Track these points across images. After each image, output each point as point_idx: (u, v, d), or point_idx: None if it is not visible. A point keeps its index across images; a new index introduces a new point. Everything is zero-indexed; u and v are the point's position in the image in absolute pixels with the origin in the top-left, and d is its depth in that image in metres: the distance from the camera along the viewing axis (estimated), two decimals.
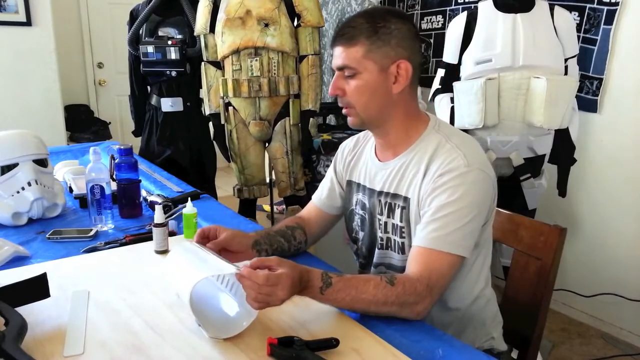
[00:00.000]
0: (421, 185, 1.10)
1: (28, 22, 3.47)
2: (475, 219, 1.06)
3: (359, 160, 1.28)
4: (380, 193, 1.19)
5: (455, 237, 1.04)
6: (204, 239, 1.14)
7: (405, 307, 1.00)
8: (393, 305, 0.99)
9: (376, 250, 1.22)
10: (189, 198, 1.47)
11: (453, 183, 1.05)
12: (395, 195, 1.16)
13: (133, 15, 2.76)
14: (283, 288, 0.92)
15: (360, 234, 1.27)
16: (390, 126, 1.15)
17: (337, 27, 1.17)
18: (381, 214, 1.19)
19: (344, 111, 1.16)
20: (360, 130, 1.30)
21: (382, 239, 1.20)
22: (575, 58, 2.09)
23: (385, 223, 1.18)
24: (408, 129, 1.16)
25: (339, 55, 1.11)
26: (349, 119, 1.17)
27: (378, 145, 1.23)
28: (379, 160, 1.22)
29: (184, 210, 1.41)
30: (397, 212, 1.15)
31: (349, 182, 1.30)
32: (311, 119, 2.46)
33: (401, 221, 1.14)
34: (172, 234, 1.48)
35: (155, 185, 1.98)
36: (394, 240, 1.17)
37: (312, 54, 2.35)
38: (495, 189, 1.12)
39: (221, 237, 1.15)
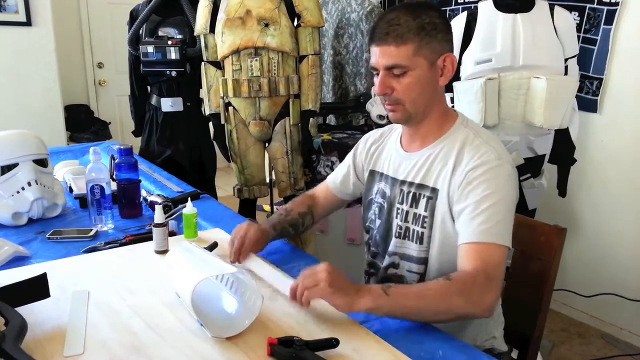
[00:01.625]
0: (451, 178, 1.11)
1: (28, 22, 3.47)
2: (510, 211, 1.09)
3: (383, 151, 1.30)
4: (403, 182, 1.20)
5: (500, 228, 1.05)
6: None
7: (470, 301, 0.98)
8: (460, 297, 0.97)
9: (392, 238, 1.22)
10: (189, 198, 1.47)
11: (487, 176, 1.07)
12: (421, 186, 1.17)
13: (133, 15, 2.76)
14: (322, 271, 0.96)
15: (377, 223, 1.28)
16: (428, 119, 1.18)
17: (376, 25, 1.12)
18: (401, 202, 1.20)
19: (389, 107, 1.16)
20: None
21: (400, 228, 1.20)
22: (575, 58, 2.09)
23: (407, 212, 1.19)
24: (440, 122, 1.18)
25: (387, 55, 1.10)
26: (393, 115, 1.17)
27: (406, 136, 1.25)
28: (404, 150, 1.24)
29: (184, 210, 1.41)
30: (422, 202, 1.16)
31: (372, 172, 1.32)
32: (311, 119, 2.46)
33: (425, 211, 1.15)
34: (172, 234, 1.48)
35: (155, 185, 1.98)
36: (413, 229, 1.18)
37: (312, 54, 2.35)
38: (518, 186, 1.15)
39: (247, 246, 1.23)
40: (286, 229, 1.37)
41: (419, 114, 1.16)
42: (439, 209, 1.13)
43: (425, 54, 1.09)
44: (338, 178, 1.42)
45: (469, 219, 1.07)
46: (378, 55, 1.12)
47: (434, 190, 1.14)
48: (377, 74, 1.14)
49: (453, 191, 1.11)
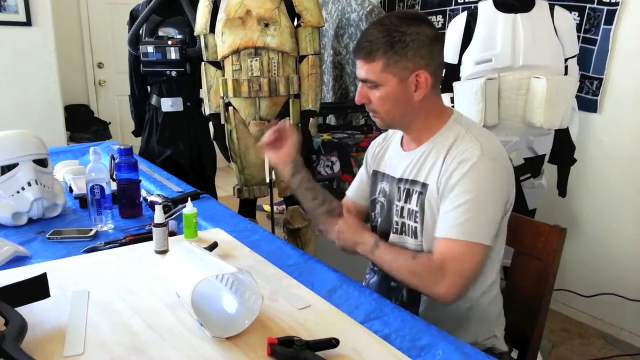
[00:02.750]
0: (440, 173, 1.14)
1: (28, 22, 3.47)
2: (490, 207, 1.11)
3: (386, 152, 1.34)
4: (400, 180, 1.23)
5: (470, 225, 1.08)
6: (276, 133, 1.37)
7: (424, 285, 1.12)
8: (412, 277, 1.12)
9: (391, 234, 1.25)
10: (189, 198, 1.47)
11: (466, 173, 1.10)
12: (413, 182, 1.20)
13: (133, 15, 2.76)
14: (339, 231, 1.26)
15: (379, 221, 1.31)
16: (414, 125, 1.21)
17: (359, 38, 1.18)
18: (399, 199, 1.23)
19: (370, 114, 1.24)
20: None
21: (397, 224, 1.24)
22: (575, 58, 2.09)
23: (402, 208, 1.22)
24: (432, 122, 1.20)
25: (360, 68, 1.17)
26: (375, 121, 1.24)
27: (405, 136, 1.29)
28: (403, 150, 1.27)
29: (184, 210, 1.41)
30: (414, 197, 1.19)
31: (375, 173, 1.35)
32: (311, 119, 2.46)
33: (416, 206, 1.18)
34: (172, 234, 1.48)
35: (155, 185, 1.98)
36: (409, 225, 1.21)
37: (312, 54, 2.35)
38: (511, 180, 1.16)
39: (289, 142, 1.38)
40: (318, 189, 1.38)
41: (397, 123, 1.21)
42: (429, 204, 1.16)
43: (394, 72, 1.12)
44: (354, 186, 1.46)
45: (443, 213, 1.11)
46: (357, 67, 1.19)
47: (424, 186, 1.17)
48: None
49: (440, 185, 1.14)
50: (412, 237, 1.20)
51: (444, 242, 1.10)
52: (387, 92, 1.15)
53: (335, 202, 1.41)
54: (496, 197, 1.12)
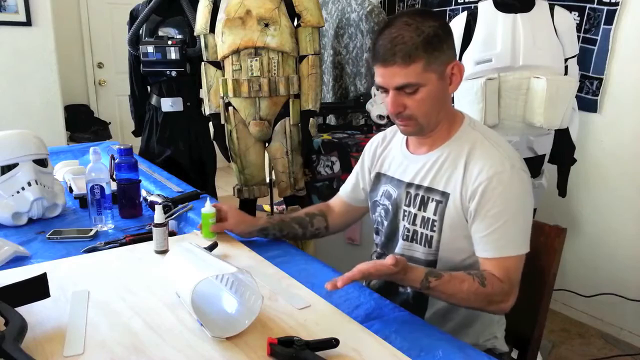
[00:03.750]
0: (462, 183, 1.12)
1: (28, 22, 3.47)
2: (527, 215, 1.12)
3: (390, 153, 1.30)
4: (410, 185, 1.20)
5: (517, 238, 1.10)
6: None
7: (493, 305, 1.09)
8: (482, 302, 1.08)
9: (400, 240, 1.22)
10: (208, 197, 1.47)
11: (502, 187, 1.09)
12: (430, 189, 1.17)
13: (133, 15, 2.76)
14: (390, 270, 1.01)
15: (384, 224, 1.28)
16: (438, 126, 1.18)
17: (379, 45, 1.08)
18: (408, 205, 1.20)
19: (401, 123, 1.16)
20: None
21: (408, 230, 1.20)
22: (575, 58, 2.09)
23: (415, 215, 1.19)
24: (448, 126, 1.18)
25: (396, 75, 1.08)
26: (405, 129, 1.17)
27: (413, 139, 1.24)
28: (410, 152, 1.24)
29: (203, 210, 1.38)
30: (431, 205, 1.16)
31: (378, 175, 1.32)
32: (311, 119, 2.46)
33: (435, 215, 1.15)
34: (172, 234, 1.48)
35: (155, 185, 1.98)
36: (422, 233, 1.18)
37: (312, 54, 2.35)
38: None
39: (227, 224, 1.37)
40: (291, 225, 1.39)
41: (431, 125, 1.16)
42: (449, 213, 1.13)
43: (434, 68, 1.09)
44: (349, 186, 1.43)
45: (488, 233, 1.09)
46: (386, 76, 1.10)
47: (444, 194, 1.14)
48: (384, 92, 1.13)
49: (466, 197, 1.11)
50: (424, 246, 1.18)
51: (502, 260, 1.09)
52: (429, 92, 1.09)
53: (317, 222, 1.41)
54: (530, 206, 1.14)
